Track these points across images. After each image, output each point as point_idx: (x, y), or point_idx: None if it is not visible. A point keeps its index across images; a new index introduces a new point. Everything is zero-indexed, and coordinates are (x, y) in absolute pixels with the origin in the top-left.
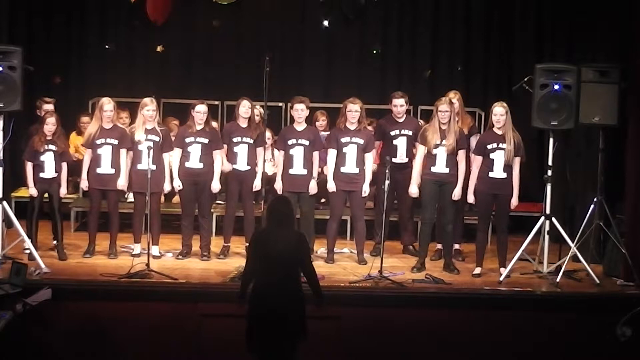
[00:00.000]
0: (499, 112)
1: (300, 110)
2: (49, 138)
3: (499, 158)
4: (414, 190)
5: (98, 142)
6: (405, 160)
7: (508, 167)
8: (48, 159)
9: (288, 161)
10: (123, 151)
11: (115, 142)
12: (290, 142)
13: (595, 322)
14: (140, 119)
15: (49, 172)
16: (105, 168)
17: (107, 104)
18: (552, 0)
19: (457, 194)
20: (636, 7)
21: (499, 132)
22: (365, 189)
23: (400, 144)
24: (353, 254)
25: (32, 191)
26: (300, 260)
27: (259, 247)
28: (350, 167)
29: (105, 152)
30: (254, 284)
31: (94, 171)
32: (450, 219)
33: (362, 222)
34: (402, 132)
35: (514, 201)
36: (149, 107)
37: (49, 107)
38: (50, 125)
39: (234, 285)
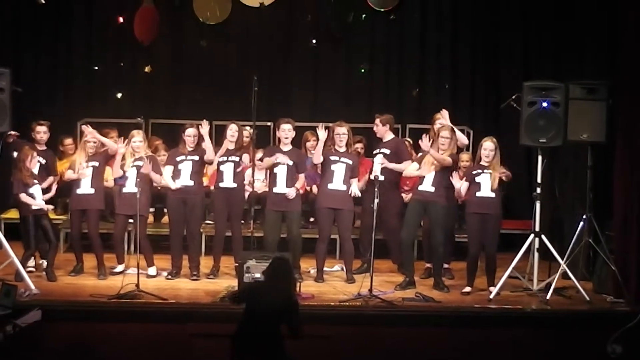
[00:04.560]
0: (489, 147)
1: (287, 131)
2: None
3: (485, 180)
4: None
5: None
6: (381, 178)
7: (496, 190)
8: (36, 191)
9: (272, 180)
10: (107, 169)
11: (97, 164)
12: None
13: (585, 339)
14: (129, 149)
15: (38, 201)
16: (85, 188)
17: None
18: (540, 17)
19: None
20: (624, 24)
21: (486, 164)
22: (355, 190)
23: (376, 161)
24: (343, 273)
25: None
26: (285, 320)
27: (248, 299)
28: (337, 184)
29: (87, 173)
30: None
31: (74, 192)
32: (441, 240)
33: (350, 242)
34: (382, 150)
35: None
36: (135, 139)
37: (42, 128)
38: (35, 161)
39: (223, 306)
